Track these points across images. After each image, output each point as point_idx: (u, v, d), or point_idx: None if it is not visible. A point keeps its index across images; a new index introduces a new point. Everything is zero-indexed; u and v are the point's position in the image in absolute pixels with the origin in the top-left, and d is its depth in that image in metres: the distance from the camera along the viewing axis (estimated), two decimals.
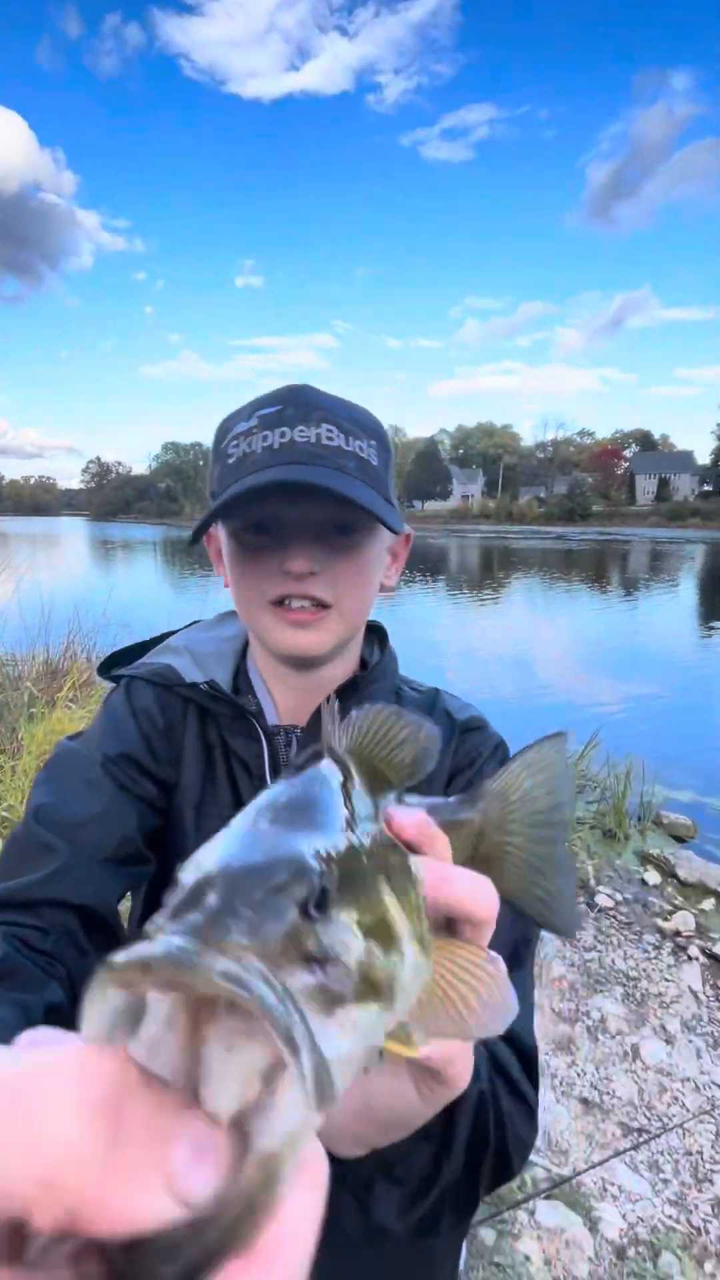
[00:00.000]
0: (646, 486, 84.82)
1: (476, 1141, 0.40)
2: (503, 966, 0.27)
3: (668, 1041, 2.30)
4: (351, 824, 0.25)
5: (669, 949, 2.85)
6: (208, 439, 0.71)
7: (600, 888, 3.22)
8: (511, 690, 7.99)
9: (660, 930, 2.95)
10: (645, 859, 3.55)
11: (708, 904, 3.15)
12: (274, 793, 0.26)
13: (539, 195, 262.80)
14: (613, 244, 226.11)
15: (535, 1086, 0.49)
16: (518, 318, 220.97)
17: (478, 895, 0.28)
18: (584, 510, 71.22)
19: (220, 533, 0.65)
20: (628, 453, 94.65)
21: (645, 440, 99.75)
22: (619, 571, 26.49)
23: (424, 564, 26.80)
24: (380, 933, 0.22)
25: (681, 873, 3.35)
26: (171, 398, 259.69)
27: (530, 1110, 0.48)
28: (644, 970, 2.70)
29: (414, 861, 0.27)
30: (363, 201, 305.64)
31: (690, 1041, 2.31)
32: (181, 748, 0.66)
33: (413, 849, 0.28)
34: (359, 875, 0.23)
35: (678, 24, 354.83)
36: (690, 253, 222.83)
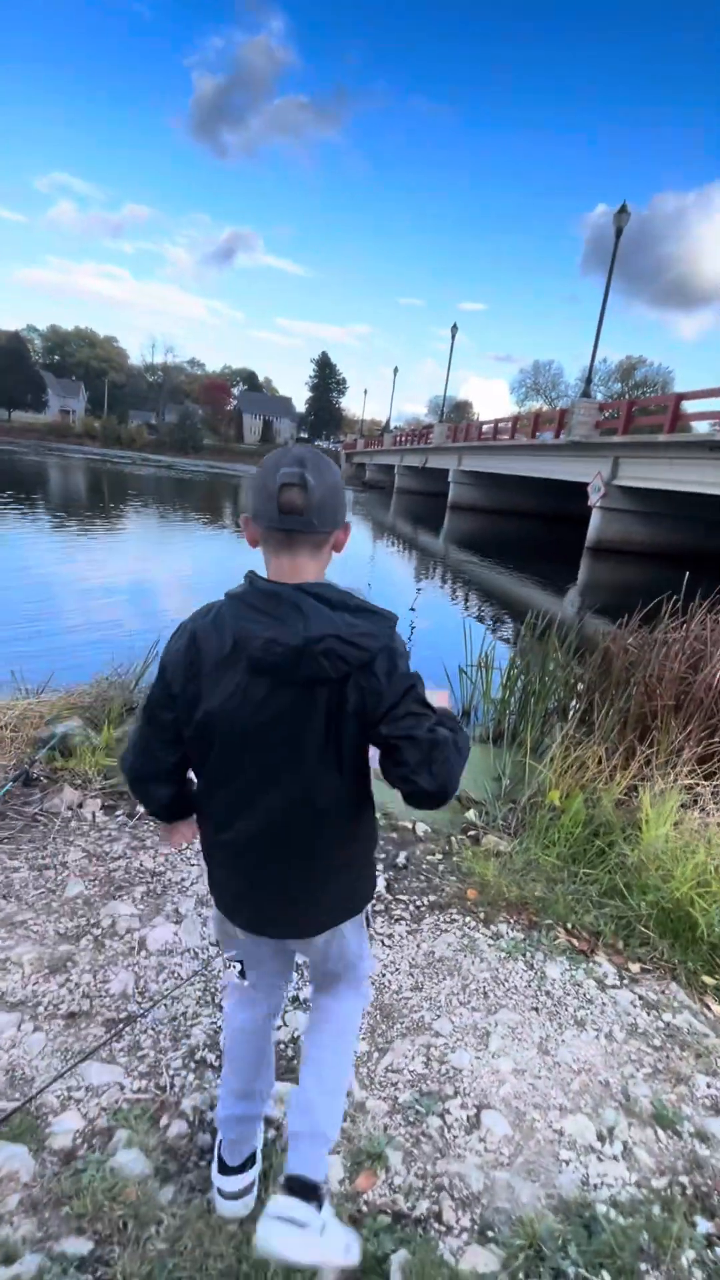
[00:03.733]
0: (253, 426, 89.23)
1: None
2: None
3: (177, 923, 2.36)
4: None
5: None
6: None
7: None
8: (125, 616, 7.72)
9: None
10: None
11: None
12: None
13: (141, 83, 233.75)
14: (222, 172, 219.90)
15: None
16: (123, 216, 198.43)
17: None
18: (196, 443, 70.96)
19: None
20: (236, 390, 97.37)
21: (251, 380, 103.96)
22: (231, 503, 27.47)
23: (18, 486, 22.79)
24: None
25: None
26: None
27: None
28: (171, 862, 2.74)
29: None
30: None
31: (199, 914, 2.41)
32: None
33: None
34: None
35: None
36: (287, 206, 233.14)
